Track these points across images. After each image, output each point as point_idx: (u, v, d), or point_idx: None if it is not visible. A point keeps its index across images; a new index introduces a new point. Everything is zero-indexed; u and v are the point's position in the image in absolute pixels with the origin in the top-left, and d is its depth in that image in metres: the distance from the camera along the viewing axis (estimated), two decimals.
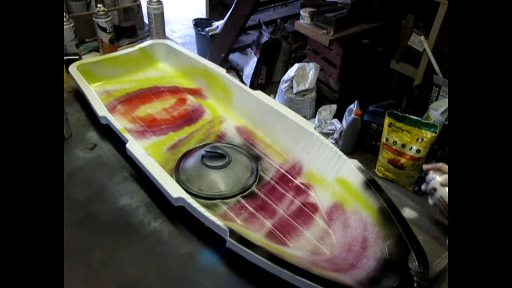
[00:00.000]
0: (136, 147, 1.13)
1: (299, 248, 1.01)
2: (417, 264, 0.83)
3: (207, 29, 3.24)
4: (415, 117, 1.98)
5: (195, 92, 1.62)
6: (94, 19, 1.74)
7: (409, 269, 0.83)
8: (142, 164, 1.08)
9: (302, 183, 1.20)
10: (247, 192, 1.16)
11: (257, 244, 0.86)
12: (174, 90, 1.63)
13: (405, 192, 2.03)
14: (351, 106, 2.31)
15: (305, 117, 2.02)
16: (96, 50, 1.88)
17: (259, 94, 1.39)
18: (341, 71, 2.45)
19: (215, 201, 1.12)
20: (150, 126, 1.41)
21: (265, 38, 2.84)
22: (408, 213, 1.12)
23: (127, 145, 1.13)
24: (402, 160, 1.98)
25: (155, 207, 1.10)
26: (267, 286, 0.91)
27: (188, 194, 0.98)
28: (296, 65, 2.57)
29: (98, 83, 1.61)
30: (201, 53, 3.35)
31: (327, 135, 2.36)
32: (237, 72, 1.54)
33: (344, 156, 1.12)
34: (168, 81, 1.68)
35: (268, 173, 1.24)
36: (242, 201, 1.13)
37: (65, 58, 1.62)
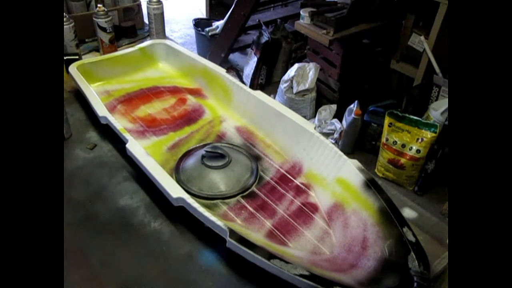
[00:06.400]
0: (136, 147, 1.13)
1: (299, 248, 1.01)
2: (417, 264, 0.83)
3: (207, 29, 3.24)
4: (415, 117, 1.98)
5: (195, 92, 1.62)
6: (94, 19, 1.74)
7: (409, 269, 0.83)
8: (142, 164, 1.08)
9: (302, 183, 1.20)
10: (247, 192, 1.16)
11: (257, 244, 0.86)
12: (174, 90, 1.63)
13: (405, 192, 2.03)
14: (351, 106, 2.31)
15: (305, 117, 2.02)
16: (96, 50, 1.88)
17: (259, 94, 1.39)
18: (341, 71, 2.45)
19: (215, 201, 1.12)
20: (150, 126, 1.41)
21: (265, 38, 2.84)
22: (408, 213, 1.12)
23: (127, 145, 1.13)
24: (402, 160, 1.98)
25: (155, 207, 1.10)
26: (267, 286, 0.91)
27: (188, 194, 0.98)
28: (296, 65, 2.57)
29: (98, 83, 1.61)
30: (201, 53, 3.35)
31: (327, 135, 2.36)
32: (237, 72, 1.54)
33: (344, 156, 1.12)
34: (168, 81, 1.68)
35: (268, 173, 1.24)
36: (242, 201, 1.13)
37: (65, 58, 1.62)
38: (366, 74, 2.58)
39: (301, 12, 2.41)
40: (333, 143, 1.16)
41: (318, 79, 2.56)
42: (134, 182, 1.18)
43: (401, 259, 0.86)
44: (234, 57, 3.57)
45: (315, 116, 2.56)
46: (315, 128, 1.22)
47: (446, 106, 2.07)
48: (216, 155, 1.20)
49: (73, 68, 1.50)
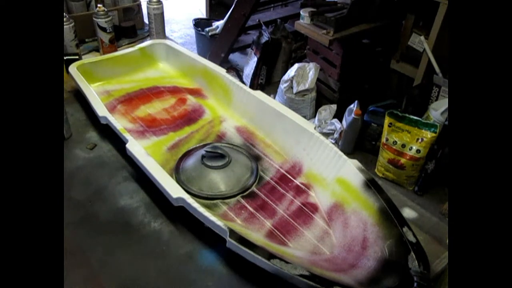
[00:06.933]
0: (136, 147, 1.13)
1: (299, 248, 1.01)
2: (417, 264, 0.83)
3: (207, 29, 3.24)
4: (415, 117, 1.98)
5: (195, 92, 1.62)
6: (94, 19, 1.74)
7: (409, 269, 0.83)
8: (142, 164, 1.08)
9: (302, 183, 1.20)
10: (247, 192, 1.16)
11: (257, 244, 0.86)
12: (174, 90, 1.63)
13: (405, 192, 2.03)
14: (351, 106, 2.31)
15: (305, 117, 2.02)
16: (96, 50, 1.88)
17: (259, 94, 1.39)
18: (341, 71, 2.45)
19: (215, 201, 1.12)
20: (150, 126, 1.41)
21: (265, 38, 2.84)
22: (408, 213, 1.12)
23: (127, 145, 1.13)
24: (402, 160, 1.98)
25: (155, 207, 1.10)
26: (267, 286, 0.91)
27: (188, 194, 0.98)
28: (296, 65, 2.57)
29: (98, 83, 1.61)
30: (201, 53, 3.35)
31: (327, 135, 2.36)
32: (237, 72, 1.54)
33: (344, 156, 1.12)
34: (168, 81, 1.68)
35: (268, 173, 1.24)
36: (242, 201, 1.13)
37: (65, 58, 1.62)
38: (366, 74, 2.58)
39: (301, 12, 2.41)
40: (333, 143, 1.16)
41: (318, 79, 2.56)
42: (134, 182, 1.18)
43: (401, 259, 0.86)
44: (234, 57, 3.57)
45: (315, 116, 2.56)
46: (315, 128, 1.22)
47: (446, 106, 2.06)
48: (216, 155, 1.20)
49: (73, 68, 1.50)
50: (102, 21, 1.73)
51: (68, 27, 1.65)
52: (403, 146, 1.99)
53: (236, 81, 1.46)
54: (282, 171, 1.25)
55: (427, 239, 1.02)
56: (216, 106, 1.53)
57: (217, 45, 3.14)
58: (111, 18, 1.76)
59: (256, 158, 1.28)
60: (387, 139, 2.05)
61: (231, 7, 2.99)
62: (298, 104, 2.57)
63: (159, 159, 1.23)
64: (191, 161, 1.22)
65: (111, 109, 1.46)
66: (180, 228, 1.04)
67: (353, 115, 2.23)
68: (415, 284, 0.79)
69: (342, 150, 1.15)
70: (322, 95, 2.65)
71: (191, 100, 1.57)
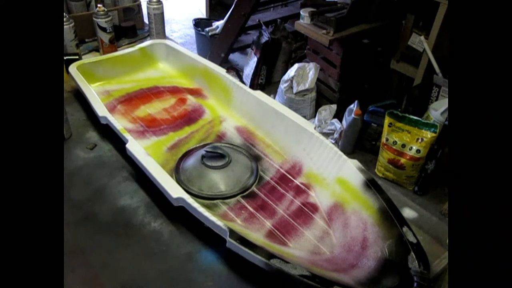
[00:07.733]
0: (136, 147, 1.13)
1: (299, 248, 1.01)
2: (417, 264, 0.83)
3: (207, 29, 3.24)
4: (415, 117, 1.98)
5: (195, 92, 1.62)
6: (94, 19, 1.74)
7: (409, 269, 0.83)
8: (142, 164, 1.08)
9: (302, 183, 1.20)
10: (247, 192, 1.16)
11: (257, 244, 0.86)
12: (174, 90, 1.63)
13: (405, 192, 2.03)
14: (351, 106, 2.31)
15: (305, 117, 2.02)
16: (96, 50, 1.88)
17: (259, 94, 1.39)
18: (341, 71, 2.45)
19: (215, 201, 1.12)
20: (150, 126, 1.41)
21: (265, 38, 2.84)
22: (408, 213, 1.12)
23: (127, 145, 1.13)
24: (402, 160, 1.98)
25: (155, 207, 1.10)
26: (267, 286, 0.91)
27: (188, 194, 0.98)
28: (296, 65, 2.57)
29: (98, 83, 1.61)
30: (201, 53, 3.35)
31: (327, 135, 2.36)
32: (237, 72, 1.54)
33: (344, 156, 1.12)
34: (168, 81, 1.68)
35: (268, 173, 1.24)
36: (242, 201, 1.13)
37: (65, 58, 1.62)
38: (366, 74, 2.59)
39: (301, 12, 2.41)
40: (333, 143, 1.16)
41: (318, 79, 2.56)
42: (134, 182, 1.18)
43: (401, 259, 0.86)
44: (234, 57, 3.57)
45: (315, 116, 2.56)
46: (315, 128, 1.22)
47: (446, 106, 2.06)
48: (216, 155, 1.20)
49: (73, 68, 1.50)
50: (102, 21, 1.73)
51: (68, 27, 1.65)
52: (403, 146, 1.99)
53: (236, 81, 1.47)
54: (282, 171, 1.25)
55: (427, 239, 1.03)
56: (216, 106, 1.54)
57: (217, 45, 3.14)
58: (111, 18, 1.76)
59: (256, 158, 1.28)
60: (387, 139, 2.05)
61: (231, 7, 2.99)
62: (298, 104, 2.57)
63: (159, 159, 1.23)
64: (191, 161, 1.22)
65: (111, 109, 1.46)
66: (180, 228, 1.04)
67: (353, 115, 2.23)
68: (415, 284, 0.79)
69: (342, 150, 1.15)
70: (322, 95, 2.65)
71: (191, 100, 1.57)
